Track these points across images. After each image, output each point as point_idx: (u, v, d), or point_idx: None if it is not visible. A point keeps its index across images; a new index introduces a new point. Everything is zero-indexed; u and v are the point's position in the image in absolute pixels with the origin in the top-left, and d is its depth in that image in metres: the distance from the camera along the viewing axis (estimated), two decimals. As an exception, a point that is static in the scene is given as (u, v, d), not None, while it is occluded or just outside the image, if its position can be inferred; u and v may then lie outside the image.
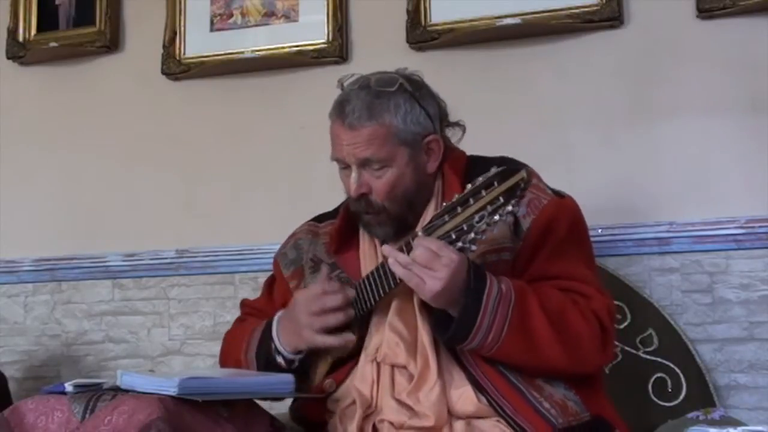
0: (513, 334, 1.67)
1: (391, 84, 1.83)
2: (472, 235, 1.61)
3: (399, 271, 1.67)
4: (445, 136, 1.92)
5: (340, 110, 1.83)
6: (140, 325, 2.88)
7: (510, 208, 1.59)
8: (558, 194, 1.83)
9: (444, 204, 1.66)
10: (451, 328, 1.67)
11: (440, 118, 1.90)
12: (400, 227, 1.85)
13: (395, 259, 1.67)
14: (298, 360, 1.87)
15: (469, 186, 1.62)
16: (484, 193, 1.59)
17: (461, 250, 1.64)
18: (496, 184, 1.59)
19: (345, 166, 1.86)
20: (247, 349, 1.93)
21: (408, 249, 1.67)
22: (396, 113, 1.81)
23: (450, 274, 1.62)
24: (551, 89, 2.58)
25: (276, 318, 1.90)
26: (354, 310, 1.81)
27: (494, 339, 1.67)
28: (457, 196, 1.63)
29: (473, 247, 1.66)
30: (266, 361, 1.88)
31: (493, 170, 1.61)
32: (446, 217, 1.63)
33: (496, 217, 1.59)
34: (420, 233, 1.66)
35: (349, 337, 1.81)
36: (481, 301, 1.65)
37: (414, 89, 1.85)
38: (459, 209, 1.62)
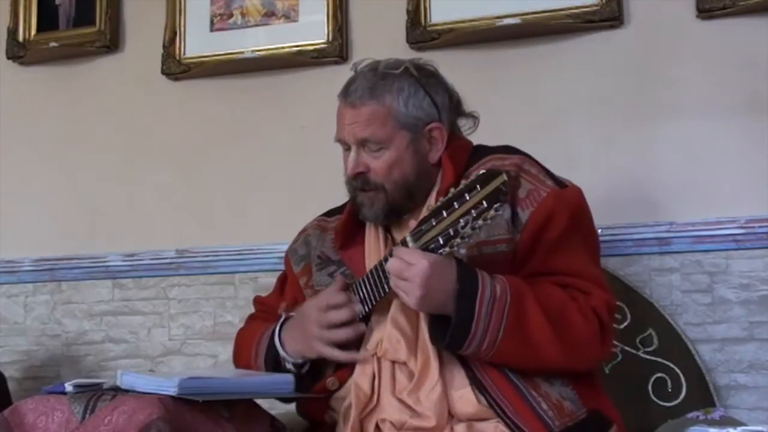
0: (509, 338, 1.66)
1: (397, 67, 1.85)
2: (459, 240, 1.61)
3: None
4: (455, 125, 1.91)
5: (346, 89, 1.86)
6: (140, 325, 2.88)
7: (493, 212, 1.58)
8: (560, 184, 1.82)
9: (429, 206, 1.65)
10: (446, 337, 1.67)
11: (451, 109, 1.89)
12: (392, 212, 1.85)
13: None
14: (308, 364, 1.86)
15: (452, 189, 1.62)
16: (467, 197, 1.59)
17: (450, 254, 1.64)
18: (478, 188, 1.59)
19: (347, 148, 1.86)
20: (257, 357, 1.93)
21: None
22: (398, 95, 1.82)
23: (423, 282, 1.62)
24: (551, 89, 2.58)
25: (278, 326, 1.89)
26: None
27: (489, 345, 1.66)
28: (442, 199, 1.63)
29: (462, 251, 1.66)
30: (275, 369, 1.88)
31: (475, 174, 1.61)
32: (433, 222, 1.63)
33: (481, 222, 1.59)
34: (408, 238, 1.66)
35: (356, 355, 1.80)
36: (474, 308, 1.65)
37: (421, 75, 1.86)
38: (445, 213, 1.61)
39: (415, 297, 1.64)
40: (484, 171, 1.61)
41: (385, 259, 1.72)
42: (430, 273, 1.62)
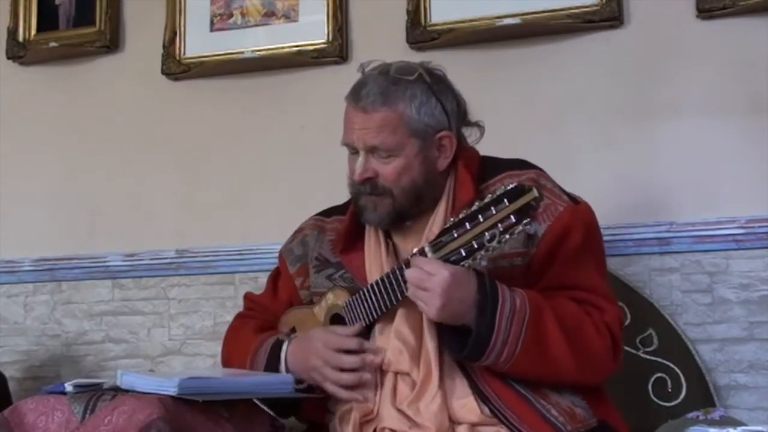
0: (527, 350, 1.66)
1: (411, 73, 1.82)
2: (483, 252, 1.60)
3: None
4: (461, 134, 1.90)
5: (356, 93, 1.82)
6: (140, 325, 2.88)
7: (521, 228, 1.57)
8: (573, 200, 1.82)
9: (452, 219, 1.64)
10: (465, 350, 1.66)
11: (458, 116, 1.88)
12: (397, 218, 1.83)
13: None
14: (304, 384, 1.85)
15: (477, 203, 1.60)
16: (494, 210, 1.57)
17: (471, 267, 1.63)
18: (506, 202, 1.57)
19: (354, 151, 1.84)
20: (252, 369, 1.90)
21: (407, 266, 1.68)
22: (411, 102, 1.79)
23: (443, 293, 1.61)
24: (551, 89, 2.58)
25: (285, 347, 1.86)
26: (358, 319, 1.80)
27: (507, 358, 1.66)
28: (466, 211, 1.61)
29: (483, 263, 1.65)
30: None
31: (502, 187, 1.59)
32: (455, 233, 1.61)
33: (507, 236, 1.58)
34: (426, 248, 1.65)
35: (358, 396, 1.77)
36: (495, 321, 1.64)
37: (433, 82, 1.84)
38: (468, 225, 1.60)
39: (435, 307, 1.63)
40: (513, 185, 1.58)
41: (401, 268, 1.70)
42: (450, 283, 1.61)
